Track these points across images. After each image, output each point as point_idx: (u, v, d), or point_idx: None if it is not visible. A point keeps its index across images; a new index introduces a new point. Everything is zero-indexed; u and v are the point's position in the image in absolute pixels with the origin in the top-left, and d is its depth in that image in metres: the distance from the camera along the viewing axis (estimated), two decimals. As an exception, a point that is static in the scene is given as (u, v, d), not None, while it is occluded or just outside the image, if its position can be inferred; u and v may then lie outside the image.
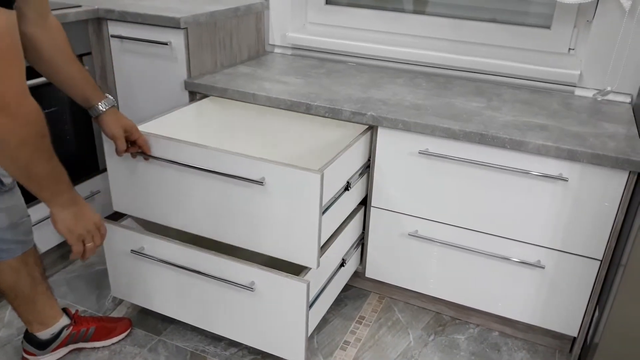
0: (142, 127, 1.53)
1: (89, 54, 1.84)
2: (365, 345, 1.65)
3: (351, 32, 2.13)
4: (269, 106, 1.68)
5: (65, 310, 1.53)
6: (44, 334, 1.47)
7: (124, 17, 1.77)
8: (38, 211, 1.68)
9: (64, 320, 1.51)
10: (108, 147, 1.46)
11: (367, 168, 1.65)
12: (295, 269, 1.41)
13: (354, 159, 1.54)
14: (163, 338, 1.65)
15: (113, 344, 1.61)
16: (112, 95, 1.92)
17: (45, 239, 1.76)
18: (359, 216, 1.70)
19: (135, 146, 1.40)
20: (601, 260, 1.45)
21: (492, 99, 1.71)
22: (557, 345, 1.67)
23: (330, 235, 1.50)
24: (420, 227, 1.64)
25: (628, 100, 1.73)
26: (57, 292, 1.80)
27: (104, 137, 1.40)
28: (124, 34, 1.81)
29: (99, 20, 1.83)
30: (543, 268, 1.52)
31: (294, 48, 2.16)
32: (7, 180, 1.26)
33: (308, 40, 2.09)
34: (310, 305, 1.45)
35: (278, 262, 1.46)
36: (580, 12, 1.77)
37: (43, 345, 1.48)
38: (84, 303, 1.78)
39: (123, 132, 1.34)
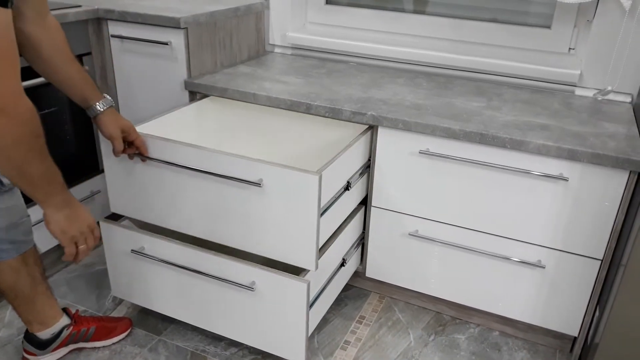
0: (141, 127, 1.53)
1: (89, 54, 1.84)
2: (366, 345, 1.65)
3: (351, 32, 2.13)
4: (269, 106, 1.68)
5: (65, 310, 1.53)
6: (44, 334, 1.47)
7: (124, 17, 1.77)
8: (38, 211, 1.66)
9: (64, 320, 1.51)
10: (105, 148, 1.45)
11: (368, 168, 1.65)
12: (296, 269, 1.41)
13: (354, 159, 1.54)
14: (163, 338, 1.65)
15: (113, 343, 1.61)
16: (112, 95, 1.93)
17: (45, 239, 1.76)
18: (359, 216, 1.70)
19: (133, 147, 1.39)
20: (602, 260, 1.45)
21: (493, 98, 1.71)
22: (558, 345, 1.67)
23: (329, 236, 1.50)
24: (420, 226, 1.64)
25: (628, 99, 1.73)
26: (57, 292, 1.80)
27: (101, 137, 1.39)
28: (124, 34, 1.81)
29: (99, 20, 1.83)
30: (543, 268, 1.52)
31: (294, 48, 2.16)
32: (7, 180, 1.26)
33: (308, 40, 2.09)
34: (311, 305, 1.45)
35: (278, 262, 1.46)
36: (581, 12, 1.77)
37: (43, 345, 1.48)
38: (84, 303, 1.78)
39: (121, 133, 1.33)
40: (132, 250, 1.53)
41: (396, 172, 1.59)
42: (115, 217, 1.60)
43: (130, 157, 1.43)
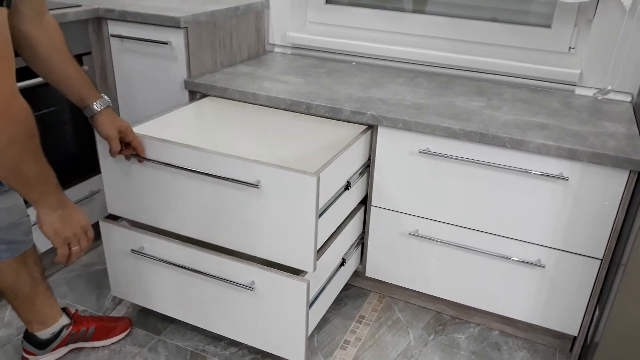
0: (140, 127, 1.53)
1: (88, 53, 1.84)
2: (366, 345, 1.65)
3: (351, 31, 2.13)
4: (269, 106, 1.68)
5: (65, 310, 1.53)
6: (43, 334, 1.47)
7: (124, 17, 1.77)
8: (38, 211, 1.68)
9: (64, 320, 1.50)
10: (102, 149, 1.45)
11: (368, 167, 1.65)
12: (296, 269, 1.41)
13: (354, 159, 1.54)
14: (163, 337, 1.65)
15: (113, 343, 1.61)
16: (112, 95, 1.93)
17: (45, 239, 1.76)
18: (359, 215, 1.70)
19: (130, 148, 1.38)
20: (601, 260, 1.45)
21: (493, 98, 1.71)
22: (558, 344, 1.67)
23: (328, 237, 1.49)
24: (420, 226, 1.63)
25: (628, 99, 1.73)
26: (57, 292, 1.80)
27: (98, 138, 1.38)
28: (124, 34, 1.81)
29: (98, 19, 1.83)
30: (543, 267, 1.52)
31: (294, 47, 2.16)
32: (5, 180, 1.26)
33: (308, 40, 2.09)
34: (310, 305, 1.45)
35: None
36: (581, 11, 1.77)
37: (43, 345, 1.48)
38: (83, 303, 1.78)
39: (117, 133, 1.32)
40: (131, 250, 1.52)
41: (396, 171, 1.59)
42: (115, 217, 1.60)
43: (127, 158, 1.42)
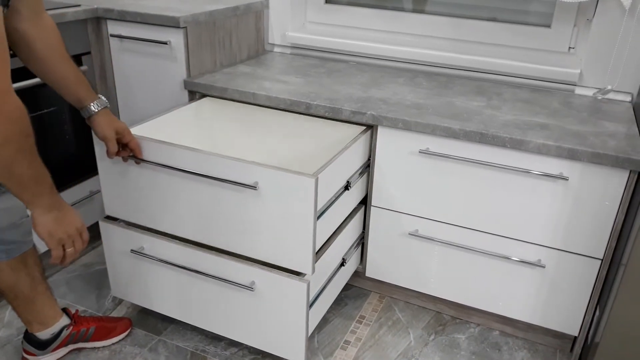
0: (139, 128, 1.53)
1: (88, 53, 1.84)
2: (366, 345, 1.65)
3: (351, 31, 2.12)
4: (269, 105, 1.68)
5: (65, 310, 1.53)
6: (43, 334, 1.47)
7: (124, 17, 1.77)
8: (38, 211, 1.67)
9: (64, 320, 1.50)
10: (99, 150, 1.44)
11: (367, 167, 1.65)
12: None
13: (354, 159, 1.54)
14: (163, 338, 1.65)
15: (113, 343, 1.61)
16: (111, 95, 1.93)
17: (45, 239, 1.76)
18: (359, 215, 1.69)
19: (127, 149, 1.38)
20: (602, 260, 1.45)
21: (493, 98, 1.71)
22: (558, 344, 1.67)
23: (327, 237, 1.49)
24: (420, 226, 1.63)
25: (628, 99, 1.73)
26: (57, 292, 1.80)
27: (95, 139, 1.38)
28: (123, 34, 1.81)
29: (98, 19, 1.83)
30: (543, 267, 1.52)
31: (293, 47, 2.16)
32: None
33: (308, 40, 2.09)
34: (311, 305, 1.45)
35: (278, 262, 1.46)
36: (581, 11, 1.77)
37: (43, 345, 1.48)
38: (83, 303, 1.78)
39: (115, 134, 1.32)
40: (131, 250, 1.52)
41: (396, 171, 1.59)
42: (115, 217, 1.59)
43: (125, 159, 1.41)
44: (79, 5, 1.78)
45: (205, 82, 1.75)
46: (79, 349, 1.58)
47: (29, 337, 1.47)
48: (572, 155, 1.36)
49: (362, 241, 1.76)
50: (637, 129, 1.49)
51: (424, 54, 1.93)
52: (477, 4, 1.94)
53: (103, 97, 1.30)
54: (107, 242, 1.58)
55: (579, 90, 1.79)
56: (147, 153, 1.39)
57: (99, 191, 1.97)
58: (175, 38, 1.74)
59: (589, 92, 1.78)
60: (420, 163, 1.55)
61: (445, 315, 1.79)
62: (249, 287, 1.39)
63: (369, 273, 1.78)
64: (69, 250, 1.15)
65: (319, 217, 1.35)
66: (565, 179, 1.40)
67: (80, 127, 1.87)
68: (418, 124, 1.49)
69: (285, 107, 1.65)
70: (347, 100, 1.63)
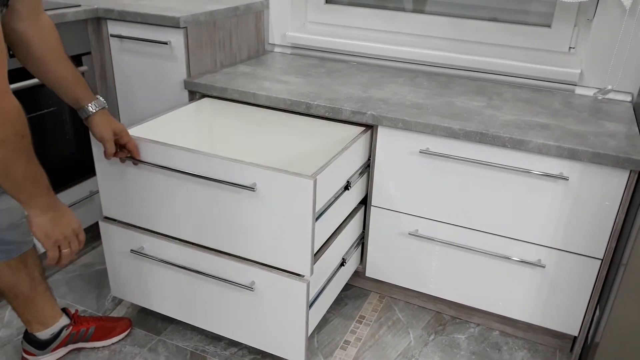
0: (139, 128, 1.53)
1: (88, 53, 1.84)
2: (366, 345, 1.65)
3: (351, 31, 2.12)
4: (269, 105, 1.68)
5: (64, 310, 1.53)
6: (43, 334, 1.47)
7: (124, 17, 1.77)
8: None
9: (64, 320, 1.50)
10: (97, 151, 1.43)
11: (368, 167, 1.65)
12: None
13: (354, 159, 1.54)
14: (163, 338, 1.65)
15: (113, 343, 1.61)
16: (111, 95, 1.93)
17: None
18: (359, 215, 1.69)
19: (125, 150, 1.37)
20: (602, 260, 1.45)
21: (493, 98, 1.71)
22: (558, 344, 1.67)
23: (327, 238, 1.49)
24: (420, 226, 1.63)
25: (629, 99, 1.73)
26: (57, 292, 1.80)
27: (93, 140, 1.37)
28: (123, 34, 1.81)
29: (98, 19, 1.83)
30: (544, 267, 1.52)
31: (293, 47, 2.16)
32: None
33: (308, 40, 2.09)
34: (310, 305, 1.45)
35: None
36: (581, 11, 1.77)
37: (43, 345, 1.48)
38: (83, 303, 1.78)
39: (112, 135, 1.31)
40: (131, 250, 1.52)
41: (396, 171, 1.59)
42: (113, 218, 1.59)
43: (122, 160, 1.41)
44: (79, 6, 1.78)
45: (205, 82, 1.75)
46: (79, 349, 1.58)
47: (28, 337, 1.47)
48: (572, 155, 1.36)
49: (362, 241, 1.76)
50: (637, 128, 1.49)
51: (424, 54, 1.93)
52: (477, 4, 1.93)
53: (101, 98, 1.30)
54: (107, 242, 1.58)
55: (579, 90, 1.79)
56: (145, 154, 1.38)
57: (98, 191, 1.97)
58: (176, 38, 1.74)
59: (590, 92, 1.78)
60: (421, 163, 1.55)
61: (445, 315, 1.79)
62: (249, 287, 1.39)
63: (369, 273, 1.78)
64: (65, 251, 1.15)
65: (318, 218, 1.35)
66: (566, 179, 1.39)
67: (80, 127, 1.87)
68: (418, 124, 1.49)
69: (285, 107, 1.65)
70: (347, 100, 1.63)
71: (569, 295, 1.53)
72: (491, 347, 1.67)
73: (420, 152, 1.52)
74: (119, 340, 1.62)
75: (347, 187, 1.51)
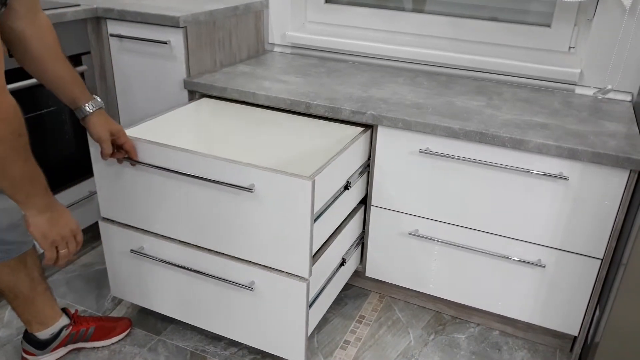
0: (137, 128, 1.53)
1: (88, 53, 1.84)
2: (366, 345, 1.65)
3: (351, 30, 2.12)
4: (269, 105, 1.68)
5: (64, 310, 1.53)
6: (43, 334, 1.47)
7: (123, 16, 1.77)
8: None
9: (64, 320, 1.50)
10: (94, 151, 1.43)
11: (367, 167, 1.65)
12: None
13: (354, 159, 1.53)
14: (163, 338, 1.65)
15: (113, 343, 1.61)
16: (111, 95, 1.93)
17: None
18: (359, 215, 1.69)
19: (122, 151, 1.37)
20: (602, 259, 1.45)
21: (493, 97, 1.71)
22: (558, 344, 1.67)
23: (326, 238, 1.48)
24: (420, 226, 1.63)
25: (629, 98, 1.73)
26: (57, 292, 1.79)
27: (90, 140, 1.37)
28: (123, 33, 1.81)
29: (98, 19, 1.83)
30: (543, 267, 1.52)
31: (293, 47, 2.16)
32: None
33: (308, 39, 2.09)
34: (310, 305, 1.45)
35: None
36: (581, 11, 1.77)
37: (42, 345, 1.48)
38: (83, 303, 1.78)
39: (109, 136, 1.30)
40: (131, 250, 1.52)
41: (396, 171, 1.59)
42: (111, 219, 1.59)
43: (120, 161, 1.40)
44: (78, 5, 1.78)
45: (205, 81, 1.75)
46: (79, 349, 1.58)
47: (28, 337, 1.47)
48: (572, 154, 1.36)
49: (362, 241, 1.76)
50: (637, 128, 1.49)
51: (424, 53, 1.93)
52: (477, 4, 1.93)
53: (98, 98, 1.29)
54: (107, 242, 1.58)
55: (579, 90, 1.79)
56: (142, 155, 1.38)
57: (98, 191, 1.97)
58: (175, 38, 1.74)
59: (589, 92, 1.77)
60: (420, 163, 1.55)
61: (445, 315, 1.79)
62: (249, 287, 1.39)
63: (368, 273, 1.78)
64: (63, 251, 1.14)
65: (317, 219, 1.35)
66: (566, 178, 1.39)
67: (80, 127, 1.85)
68: (418, 123, 1.49)
69: (285, 106, 1.65)
70: (347, 100, 1.62)
71: (569, 295, 1.53)
72: (491, 347, 1.67)
73: (420, 151, 1.52)
74: (119, 340, 1.62)
75: (347, 187, 1.51)
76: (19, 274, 1.36)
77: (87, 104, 1.26)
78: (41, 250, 1.14)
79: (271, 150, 1.81)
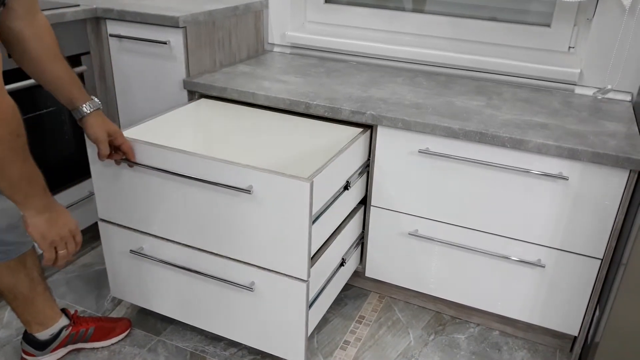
0: (137, 128, 1.52)
1: (87, 53, 1.84)
2: (366, 345, 1.65)
3: (351, 30, 2.12)
4: (268, 105, 1.68)
5: (64, 311, 1.53)
6: (43, 335, 1.47)
7: (123, 16, 1.77)
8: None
9: (63, 321, 1.50)
10: (92, 153, 1.42)
11: (367, 167, 1.65)
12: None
13: (353, 159, 1.53)
14: (162, 338, 1.65)
15: (112, 344, 1.61)
16: (110, 95, 1.93)
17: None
18: (359, 215, 1.69)
19: (120, 152, 1.36)
20: (602, 259, 1.45)
21: (493, 97, 1.71)
22: (558, 344, 1.67)
23: (325, 239, 1.48)
24: (420, 226, 1.63)
25: (628, 98, 1.73)
26: (56, 293, 1.79)
27: (88, 142, 1.37)
28: (122, 33, 1.81)
29: (97, 19, 1.83)
30: (543, 267, 1.52)
31: (293, 47, 2.16)
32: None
33: (307, 39, 2.09)
34: (310, 305, 1.45)
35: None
36: (581, 10, 1.77)
37: (42, 346, 1.48)
38: (83, 303, 1.78)
39: (107, 136, 1.30)
40: (130, 250, 1.52)
41: (396, 171, 1.59)
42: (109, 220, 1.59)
43: (117, 162, 1.40)
44: (78, 5, 1.78)
45: (204, 82, 1.75)
46: (78, 350, 1.58)
47: (28, 338, 1.47)
48: (572, 154, 1.35)
49: (361, 241, 1.76)
50: (637, 128, 1.49)
51: (424, 53, 1.93)
52: (476, 4, 1.93)
53: (96, 99, 1.29)
54: (107, 242, 1.58)
55: (579, 90, 1.79)
56: (140, 156, 1.37)
57: (98, 191, 1.97)
58: (175, 38, 1.74)
59: (589, 92, 1.77)
60: (420, 163, 1.55)
61: (445, 315, 1.79)
62: (249, 288, 1.39)
63: (368, 273, 1.78)
64: (62, 252, 1.14)
65: (315, 220, 1.35)
66: (565, 178, 1.39)
67: (79, 127, 1.86)
68: (418, 123, 1.49)
69: (284, 106, 1.65)
70: (346, 100, 1.62)
71: (569, 295, 1.53)
72: (491, 347, 1.67)
73: (419, 151, 1.52)
74: (119, 340, 1.62)
75: (346, 187, 1.51)
76: (19, 275, 1.36)
77: (84, 105, 1.26)
78: (40, 251, 1.14)
79: (271, 150, 1.81)
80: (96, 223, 1.61)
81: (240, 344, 1.62)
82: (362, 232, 1.75)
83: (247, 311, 1.45)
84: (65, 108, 1.78)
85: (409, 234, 1.65)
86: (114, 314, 1.74)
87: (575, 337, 1.61)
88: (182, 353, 1.59)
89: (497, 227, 1.53)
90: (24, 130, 1.00)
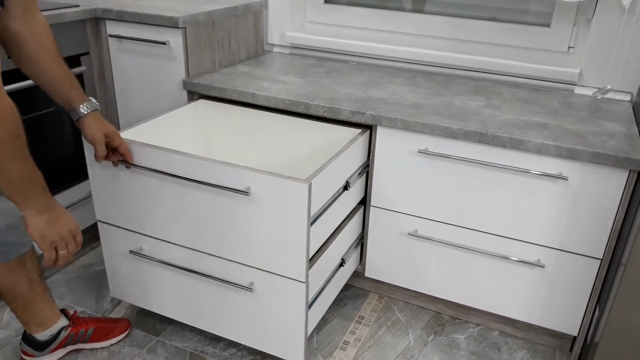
0: (136, 129, 1.52)
1: (87, 53, 1.84)
2: (365, 345, 1.65)
3: (350, 31, 2.12)
4: (268, 106, 1.68)
5: (63, 311, 1.53)
6: (42, 335, 1.47)
7: (122, 17, 1.77)
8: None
9: (63, 321, 1.50)
10: (89, 154, 1.42)
11: (367, 167, 1.65)
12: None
13: (353, 160, 1.53)
14: (162, 339, 1.65)
15: (112, 344, 1.61)
16: (110, 95, 1.93)
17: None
18: (359, 215, 1.69)
19: (117, 154, 1.36)
20: (601, 259, 1.45)
21: (492, 97, 1.71)
22: (557, 344, 1.67)
23: (325, 240, 1.48)
24: (419, 226, 1.63)
25: (628, 98, 1.73)
26: (56, 293, 1.79)
27: (85, 143, 1.36)
28: (122, 34, 1.81)
29: (96, 19, 1.83)
30: (543, 267, 1.52)
31: (292, 47, 2.16)
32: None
33: (307, 40, 2.09)
34: (310, 305, 1.45)
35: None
36: (580, 10, 1.77)
37: (41, 347, 1.48)
38: (82, 304, 1.78)
39: (104, 137, 1.29)
40: (130, 251, 1.52)
41: (395, 171, 1.59)
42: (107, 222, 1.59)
43: (115, 164, 1.39)
44: (77, 6, 1.78)
45: (204, 82, 1.75)
46: (78, 350, 1.57)
47: (27, 338, 1.47)
48: (571, 155, 1.35)
49: (361, 241, 1.76)
50: (636, 128, 1.49)
51: (423, 53, 1.93)
52: (476, 4, 1.93)
53: (93, 100, 1.29)
54: (106, 243, 1.58)
55: (578, 90, 1.79)
56: (137, 157, 1.37)
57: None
58: (174, 38, 1.74)
59: (589, 92, 1.77)
60: (420, 163, 1.55)
61: (445, 315, 1.79)
62: (248, 288, 1.39)
63: (368, 273, 1.78)
64: (62, 252, 1.14)
65: (314, 221, 1.34)
66: (565, 178, 1.39)
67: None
68: (417, 123, 1.49)
69: (284, 107, 1.65)
70: (346, 100, 1.62)
71: (569, 295, 1.53)
72: (491, 347, 1.67)
73: (419, 152, 1.52)
74: (118, 341, 1.62)
75: (346, 188, 1.51)
76: (18, 275, 1.36)
77: (82, 105, 1.26)
78: (40, 251, 1.14)
79: (270, 151, 1.81)
80: (96, 223, 1.61)
81: (240, 345, 1.62)
82: (362, 232, 1.75)
83: (246, 311, 1.45)
84: (64, 109, 1.79)
85: (409, 234, 1.65)
86: (113, 315, 1.74)
87: (575, 337, 1.61)
88: (181, 353, 1.59)
89: (496, 227, 1.53)
90: (23, 131, 1.00)
